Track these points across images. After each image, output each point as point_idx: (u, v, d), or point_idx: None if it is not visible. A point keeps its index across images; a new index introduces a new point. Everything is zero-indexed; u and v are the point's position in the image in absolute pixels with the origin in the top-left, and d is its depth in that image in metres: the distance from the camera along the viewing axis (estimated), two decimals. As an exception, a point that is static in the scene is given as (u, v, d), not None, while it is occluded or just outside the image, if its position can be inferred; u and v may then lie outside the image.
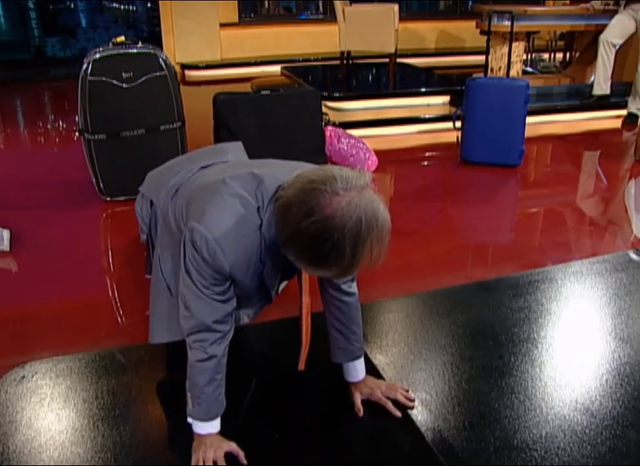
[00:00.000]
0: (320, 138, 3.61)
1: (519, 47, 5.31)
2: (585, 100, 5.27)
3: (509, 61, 4.61)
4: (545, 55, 7.09)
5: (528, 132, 4.00)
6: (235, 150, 1.96)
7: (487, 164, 3.93)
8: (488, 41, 5.16)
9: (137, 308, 2.31)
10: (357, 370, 1.71)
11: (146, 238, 1.92)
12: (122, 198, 3.29)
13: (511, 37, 4.48)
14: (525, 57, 5.99)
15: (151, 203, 1.85)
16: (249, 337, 2.01)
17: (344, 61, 6.22)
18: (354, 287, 1.64)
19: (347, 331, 1.66)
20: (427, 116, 4.98)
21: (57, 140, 5.23)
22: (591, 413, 1.68)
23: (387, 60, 5.94)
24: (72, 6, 10.44)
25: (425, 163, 4.43)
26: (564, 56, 6.75)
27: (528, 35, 6.04)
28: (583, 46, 5.97)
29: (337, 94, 5.22)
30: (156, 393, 1.82)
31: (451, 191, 3.85)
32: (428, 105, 5.26)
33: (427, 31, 8.43)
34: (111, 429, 1.64)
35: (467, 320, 2.16)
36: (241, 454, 1.50)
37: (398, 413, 1.66)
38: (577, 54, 6.22)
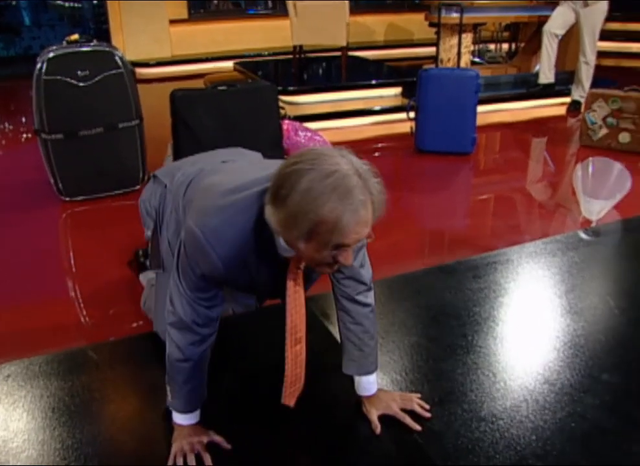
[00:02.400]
0: (278, 131, 3.63)
1: (467, 38, 5.45)
2: (531, 89, 5.45)
3: (459, 52, 4.74)
4: (492, 46, 7.29)
5: (478, 121, 4.12)
6: (254, 155, 1.88)
7: (441, 153, 4.04)
8: (438, 33, 5.28)
9: (101, 306, 2.32)
10: (370, 383, 1.63)
11: (150, 235, 1.87)
12: (81, 198, 3.26)
13: (460, 28, 4.60)
14: (472, 48, 6.15)
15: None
16: (233, 327, 2.03)
17: (297, 55, 6.26)
18: (370, 298, 1.59)
19: (360, 343, 1.59)
20: (380, 107, 5.07)
21: (8, 140, 5.09)
22: (551, 383, 1.78)
23: (339, 53, 6.01)
24: (14, 3, 10.10)
25: (381, 153, 4.51)
26: (509, 47, 6.95)
27: (475, 27, 6.20)
28: (527, 37, 6.17)
29: (291, 88, 5.26)
30: (132, 388, 1.84)
31: (407, 180, 3.94)
32: (381, 97, 5.36)
33: (376, 24, 8.53)
34: (90, 425, 1.65)
35: (430, 303, 2.25)
36: (220, 441, 1.53)
37: (418, 427, 1.58)
38: (522, 45, 6.42)
